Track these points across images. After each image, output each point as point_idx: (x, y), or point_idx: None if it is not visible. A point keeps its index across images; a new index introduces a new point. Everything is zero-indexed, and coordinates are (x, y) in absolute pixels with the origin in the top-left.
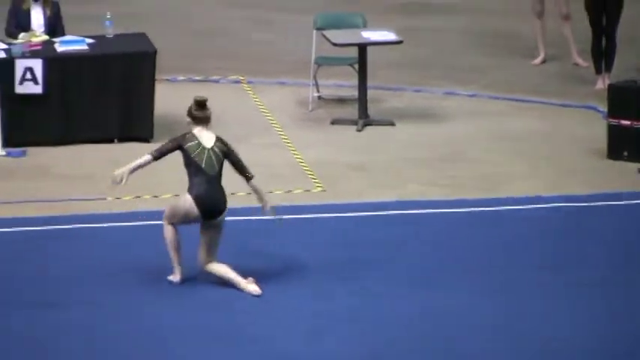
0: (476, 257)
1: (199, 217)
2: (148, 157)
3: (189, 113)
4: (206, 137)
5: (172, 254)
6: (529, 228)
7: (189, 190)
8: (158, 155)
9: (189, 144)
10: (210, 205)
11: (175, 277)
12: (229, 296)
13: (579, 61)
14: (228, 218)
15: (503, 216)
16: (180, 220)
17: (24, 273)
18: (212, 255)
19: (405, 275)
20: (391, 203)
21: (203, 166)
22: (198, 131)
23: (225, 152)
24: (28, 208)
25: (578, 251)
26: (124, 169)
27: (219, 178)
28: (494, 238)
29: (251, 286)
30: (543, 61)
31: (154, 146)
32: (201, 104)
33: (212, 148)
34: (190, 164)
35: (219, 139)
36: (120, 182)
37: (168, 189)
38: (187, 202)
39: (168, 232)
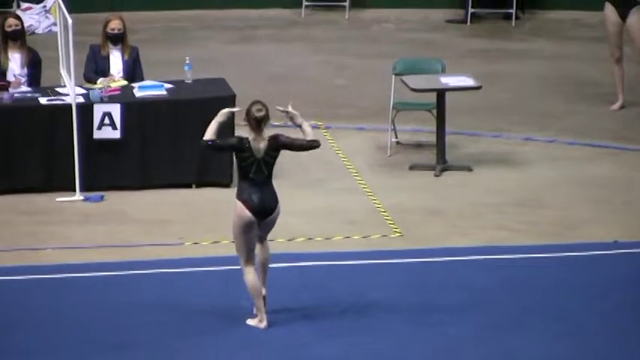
0: (553, 303)
1: (254, 220)
2: (206, 136)
3: (247, 117)
4: (260, 146)
5: (255, 299)
6: (606, 274)
7: (238, 195)
8: (212, 147)
9: (243, 154)
10: (260, 206)
11: (261, 323)
12: (307, 341)
13: None
14: (305, 263)
15: (580, 261)
16: (244, 234)
17: (101, 317)
18: (261, 243)
19: (482, 320)
20: (469, 249)
21: (251, 175)
22: (253, 139)
23: (276, 154)
24: (105, 253)
25: None
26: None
27: (268, 179)
28: (571, 284)
29: (253, 321)
30: (622, 107)
31: (231, 190)
32: (258, 121)
33: (263, 158)
34: (240, 169)
35: (271, 143)
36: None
37: None
38: (238, 207)
39: (249, 275)
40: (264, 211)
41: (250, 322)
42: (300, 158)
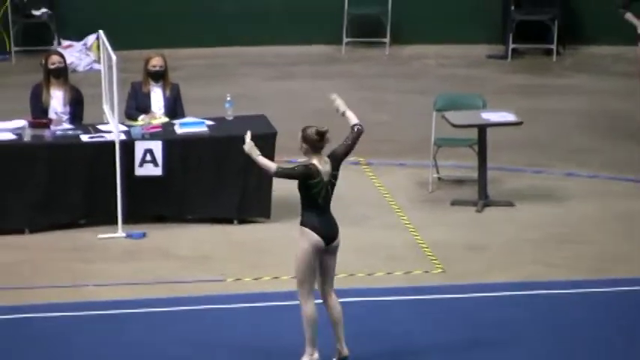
0: (598, 339)
1: (323, 245)
2: (273, 166)
3: (308, 140)
4: (324, 169)
5: (311, 332)
6: None
7: (304, 222)
8: (282, 174)
9: (313, 181)
10: (327, 231)
11: (313, 356)
12: None
13: None
14: (348, 299)
15: (622, 298)
16: (312, 262)
17: (144, 354)
18: (330, 283)
19: (525, 357)
20: (511, 284)
21: (319, 201)
22: (318, 162)
23: (337, 173)
24: (147, 289)
25: None
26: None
27: (329, 204)
28: (616, 320)
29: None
30: None
31: (272, 226)
32: (322, 135)
33: (329, 180)
34: (308, 197)
35: (333, 163)
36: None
37: (289, 270)
38: (307, 233)
39: (311, 306)
40: (331, 234)
41: (304, 359)
42: (342, 195)
